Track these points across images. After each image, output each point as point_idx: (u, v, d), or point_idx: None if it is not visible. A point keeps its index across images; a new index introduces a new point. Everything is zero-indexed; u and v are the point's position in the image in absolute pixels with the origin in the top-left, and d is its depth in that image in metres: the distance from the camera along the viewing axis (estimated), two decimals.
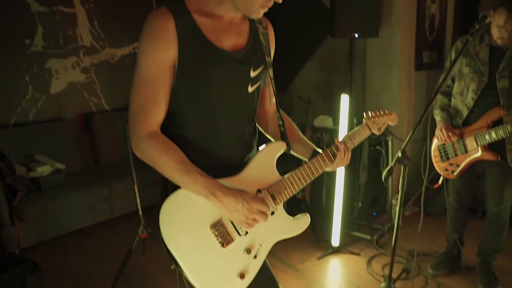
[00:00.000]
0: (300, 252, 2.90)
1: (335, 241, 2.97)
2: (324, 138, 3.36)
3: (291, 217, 1.30)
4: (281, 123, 1.36)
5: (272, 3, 1.14)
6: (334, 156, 1.35)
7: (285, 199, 1.27)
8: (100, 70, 3.97)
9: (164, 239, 1.15)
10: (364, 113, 1.46)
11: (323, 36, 3.84)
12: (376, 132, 1.47)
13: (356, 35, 3.03)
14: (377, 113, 1.47)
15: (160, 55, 1.11)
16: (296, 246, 2.91)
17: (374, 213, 3.50)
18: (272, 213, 1.26)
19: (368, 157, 3.23)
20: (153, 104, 1.13)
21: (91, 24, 3.87)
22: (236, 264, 1.21)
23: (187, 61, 1.13)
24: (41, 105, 3.63)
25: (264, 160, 1.27)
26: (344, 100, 2.76)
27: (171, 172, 1.11)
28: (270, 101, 1.44)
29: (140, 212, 2.71)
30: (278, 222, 1.27)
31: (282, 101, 4.17)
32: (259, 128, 1.46)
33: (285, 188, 1.27)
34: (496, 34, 2.12)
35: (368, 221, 3.35)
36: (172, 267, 1.21)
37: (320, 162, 1.33)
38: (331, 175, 3.15)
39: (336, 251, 2.96)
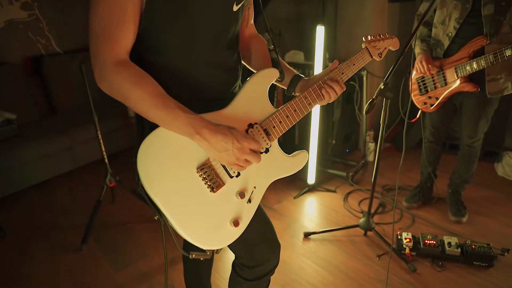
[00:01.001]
0: (276, 192, 2.87)
1: (311, 179, 2.96)
2: None
3: (287, 154, 1.19)
4: (272, 47, 1.19)
5: None
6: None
7: (280, 133, 1.15)
8: (45, 6, 3.50)
9: (144, 187, 1.00)
10: (363, 37, 1.31)
11: None
12: (377, 58, 1.33)
13: None
14: (377, 36, 1.33)
15: None
16: (271, 186, 2.80)
17: (347, 150, 3.50)
18: (267, 150, 1.14)
19: (342, 93, 3.15)
20: (119, 24, 0.93)
21: None
22: (229, 210, 1.09)
23: None
24: None
25: (255, 90, 1.12)
26: (320, 32, 2.59)
27: (146, 107, 0.94)
28: (248, 23, 1.27)
29: (106, 160, 2.51)
30: (273, 161, 1.15)
31: None
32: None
33: (280, 122, 1.14)
34: None
35: (342, 158, 3.36)
36: (156, 217, 1.08)
37: (317, 92, 1.19)
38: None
39: (312, 189, 2.96)
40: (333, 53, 3.40)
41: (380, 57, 1.36)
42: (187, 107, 1.00)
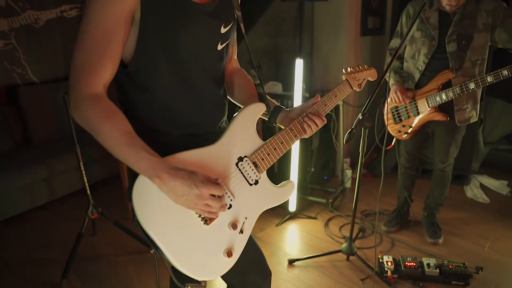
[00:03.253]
0: (259, 220, 2.83)
1: (292, 206, 3.01)
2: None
3: (275, 185, 1.24)
4: (258, 81, 1.26)
5: None
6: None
7: (268, 165, 1.20)
8: (22, 36, 3.49)
9: (140, 222, 1.01)
10: (343, 69, 1.40)
11: None
12: (357, 89, 1.42)
13: None
14: (357, 68, 1.42)
15: (114, 3, 0.94)
16: None
17: (326, 177, 3.59)
18: (256, 182, 1.19)
19: None
20: (99, 60, 0.96)
21: None
22: (222, 242, 1.12)
23: (152, 12, 0.98)
24: None
25: (243, 125, 1.17)
26: (299, 64, 2.71)
27: (113, 144, 0.95)
28: (231, 59, 1.34)
29: (88, 192, 2.48)
30: (262, 192, 1.20)
31: None
32: None
33: (268, 154, 1.19)
34: (445, 1, 2.17)
35: (321, 185, 3.43)
36: (152, 251, 1.09)
37: (302, 125, 1.26)
38: None
39: (293, 216, 3.00)
40: (310, 84, 3.53)
41: (360, 87, 1.45)
42: (178, 144, 1.03)
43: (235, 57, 1.36)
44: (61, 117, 3.51)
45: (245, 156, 1.16)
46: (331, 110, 3.27)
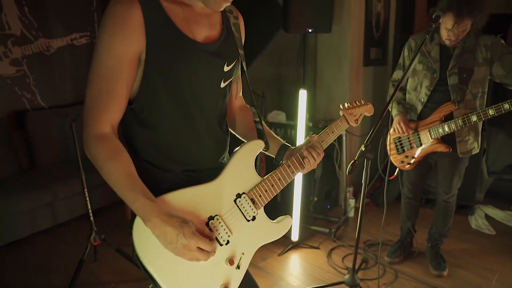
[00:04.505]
0: (261, 249, 2.81)
1: (294, 236, 2.98)
2: (279, 134, 3.34)
3: (272, 221, 1.25)
4: (258, 119, 1.29)
5: None
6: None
7: (265, 202, 1.22)
8: (33, 63, 3.59)
9: (139, 257, 1.03)
10: (340, 105, 1.43)
11: (274, 30, 3.81)
12: (353, 124, 1.45)
13: (310, 31, 3.03)
14: (354, 104, 1.45)
15: (121, 46, 0.99)
16: None
17: (328, 206, 3.57)
18: (253, 218, 1.20)
19: None
20: (108, 101, 1.01)
21: (21, 10, 3.47)
22: (219, 277, 1.13)
23: (156, 54, 1.03)
24: None
25: (242, 161, 1.19)
26: (302, 95, 2.75)
27: (113, 182, 1.00)
28: (237, 96, 1.37)
29: (92, 218, 2.49)
30: (259, 227, 1.21)
31: None
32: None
33: (266, 191, 1.21)
34: (445, 36, 2.22)
35: (324, 215, 3.41)
36: (150, 286, 1.10)
37: (300, 161, 1.28)
38: None
39: (295, 246, 2.98)
40: (313, 113, 3.57)
41: (357, 123, 1.48)
42: (180, 180, 1.07)
43: (240, 94, 1.39)
44: (67, 142, 3.56)
45: (243, 193, 1.18)
46: (335, 141, 3.31)
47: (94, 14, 4.00)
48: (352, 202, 3.46)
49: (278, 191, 1.24)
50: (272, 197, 1.23)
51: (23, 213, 2.92)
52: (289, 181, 1.26)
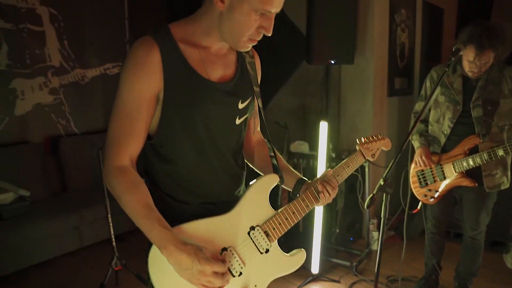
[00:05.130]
0: (279, 281, 2.80)
1: (315, 268, 2.93)
2: (301, 164, 3.35)
3: (286, 254, 1.25)
4: (272, 154, 1.32)
5: (261, 36, 1.11)
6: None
7: (279, 235, 1.23)
8: (69, 91, 3.81)
9: (154, 286, 1.08)
10: (357, 139, 1.44)
11: (298, 61, 3.88)
12: (370, 159, 1.45)
13: (332, 62, 3.08)
14: (370, 138, 1.45)
15: (141, 86, 1.07)
16: None
17: (351, 238, 3.50)
18: (267, 250, 1.21)
19: (344, 183, 3.24)
20: (128, 136, 1.09)
21: (61, 44, 3.73)
22: None
23: (173, 93, 1.10)
24: (4, 127, 3.42)
25: (256, 195, 1.22)
26: (323, 127, 2.77)
27: (131, 212, 1.06)
28: (255, 131, 1.41)
29: (114, 243, 2.56)
30: (273, 260, 1.22)
31: None
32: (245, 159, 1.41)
33: (280, 224, 1.23)
34: (467, 68, 2.20)
35: (346, 247, 3.34)
36: None
37: (314, 195, 1.29)
38: None
39: (315, 278, 2.92)
40: (337, 144, 3.57)
41: (373, 157, 1.48)
42: (196, 212, 1.12)
43: (258, 129, 1.43)
44: (96, 167, 3.70)
45: (257, 225, 1.20)
46: (357, 170, 3.28)
47: (126, 45, 4.23)
48: (375, 234, 3.38)
49: (293, 225, 1.25)
50: (286, 230, 1.24)
51: (51, 235, 3.02)
52: (303, 215, 1.27)
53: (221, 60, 1.20)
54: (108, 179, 1.09)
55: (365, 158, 1.43)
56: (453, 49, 1.86)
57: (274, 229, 1.21)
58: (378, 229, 3.44)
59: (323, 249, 3.04)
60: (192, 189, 1.19)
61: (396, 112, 3.82)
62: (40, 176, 3.46)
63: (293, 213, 1.25)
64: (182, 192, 1.18)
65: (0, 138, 3.39)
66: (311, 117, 3.84)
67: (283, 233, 1.23)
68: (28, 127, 3.57)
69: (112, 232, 2.55)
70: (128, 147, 1.09)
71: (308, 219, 3.13)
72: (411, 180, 2.54)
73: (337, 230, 3.29)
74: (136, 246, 3.40)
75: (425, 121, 2.53)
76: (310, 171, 3.29)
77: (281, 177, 1.30)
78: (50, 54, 3.66)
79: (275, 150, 1.35)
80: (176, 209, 1.18)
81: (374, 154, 1.47)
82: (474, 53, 2.10)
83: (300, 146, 3.48)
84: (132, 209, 1.05)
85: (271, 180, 1.26)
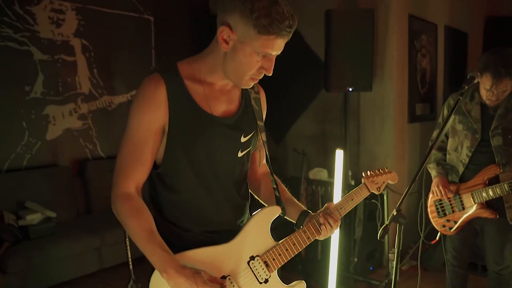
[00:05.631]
0: None
1: None
2: (320, 191, 3.34)
3: (285, 285, 1.26)
4: (275, 186, 1.35)
5: (262, 75, 1.17)
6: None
7: (279, 265, 1.24)
8: (97, 117, 4.00)
9: None
10: (363, 173, 1.45)
11: (319, 88, 3.92)
12: (375, 192, 1.45)
13: (350, 89, 3.10)
14: (377, 172, 1.46)
15: (148, 119, 1.14)
16: None
17: (371, 268, 3.41)
18: (266, 280, 1.22)
19: (363, 211, 3.20)
20: (134, 165, 1.16)
21: (91, 72, 3.94)
22: None
23: (177, 126, 1.16)
24: (36, 150, 3.61)
25: (258, 226, 1.25)
26: (339, 155, 2.77)
27: (135, 237, 1.12)
28: (260, 163, 1.44)
29: (131, 267, 2.61)
30: None
31: (277, 152, 4.17)
32: (250, 190, 1.44)
33: (280, 255, 1.24)
34: (484, 96, 2.17)
35: (365, 276, 3.26)
36: None
37: (316, 227, 1.30)
38: None
39: None
40: (356, 171, 3.53)
41: (379, 190, 1.48)
42: (199, 240, 1.16)
43: (264, 161, 1.46)
44: None
45: (257, 256, 1.22)
46: (376, 198, 3.23)
47: (152, 73, 4.40)
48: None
49: (293, 256, 1.27)
50: (286, 261, 1.25)
51: (73, 256, 3.13)
52: (304, 246, 1.28)
53: (225, 96, 1.26)
54: (114, 205, 1.15)
55: (369, 191, 1.43)
56: (468, 77, 1.84)
57: (274, 259, 1.23)
58: (400, 258, 3.34)
59: (340, 279, 2.97)
60: (195, 218, 1.23)
61: (418, 138, 3.76)
62: (67, 197, 3.61)
63: (294, 244, 1.26)
64: (185, 221, 1.23)
65: (32, 161, 3.58)
66: (331, 144, 3.84)
67: (283, 263, 1.25)
68: (58, 150, 3.75)
69: (129, 255, 2.61)
70: (134, 175, 1.16)
71: (327, 246, 3.09)
72: (429, 209, 2.48)
73: (356, 259, 3.22)
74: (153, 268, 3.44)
75: (443, 150, 2.48)
76: (328, 198, 3.26)
77: (283, 209, 1.32)
78: (81, 82, 3.88)
79: (279, 183, 1.40)
80: (179, 237, 1.23)
81: (379, 188, 1.47)
82: (491, 81, 2.07)
83: (319, 173, 3.48)
84: (136, 234, 1.11)
85: (273, 212, 1.29)
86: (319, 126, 3.99)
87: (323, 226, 1.28)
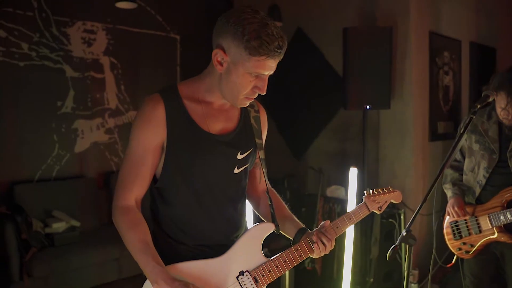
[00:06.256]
0: None
1: None
2: (336, 209, 3.31)
3: None
4: (269, 203, 1.38)
5: (256, 95, 1.21)
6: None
7: (268, 282, 1.26)
8: (123, 131, 4.17)
9: None
10: (365, 191, 1.44)
11: (338, 105, 3.90)
12: (376, 211, 1.43)
13: (368, 107, 3.08)
14: (380, 190, 1.44)
15: (147, 137, 1.21)
16: None
17: None
18: None
19: (380, 230, 3.13)
20: (133, 180, 1.22)
21: (118, 88, 4.13)
22: None
23: (174, 143, 1.22)
24: (65, 162, 3.80)
25: (250, 241, 1.27)
26: (353, 173, 2.75)
27: (131, 248, 1.17)
28: (260, 180, 1.47)
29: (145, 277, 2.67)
30: None
31: (297, 169, 4.17)
32: (251, 206, 1.48)
33: (269, 271, 1.26)
34: (500, 115, 2.11)
35: None
36: None
37: (309, 245, 1.30)
38: (343, 246, 3.06)
39: None
40: (375, 189, 3.47)
41: (380, 210, 1.46)
42: (192, 253, 1.21)
43: (264, 179, 1.48)
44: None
45: (247, 271, 1.24)
46: (394, 218, 3.16)
47: None
48: (414, 287, 3.17)
49: (283, 273, 1.28)
50: (276, 278, 1.26)
51: (93, 265, 3.24)
52: (295, 264, 1.29)
53: (223, 115, 1.31)
54: (114, 217, 1.22)
55: (369, 211, 1.42)
56: (482, 95, 1.80)
57: (263, 275, 1.25)
58: (420, 281, 3.23)
59: None
60: (189, 231, 1.27)
61: (440, 157, 3.65)
62: (91, 208, 3.76)
63: (285, 261, 1.27)
64: (180, 234, 1.27)
65: (61, 172, 3.78)
66: (349, 161, 3.79)
67: (272, 280, 1.26)
68: (85, 163, 3.94)
69: None
70: (133, 190, 1.23)
71: (342, 265, 3.04)
72: (444, 231, 2.40)
73: (371, 280, 3.14)
74: None
75: (459, 170, 2.40)
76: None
77: (276, 226, 1.34)
78: (108, 98, 4.07)
79: (279, 199, 1.45)
80: (174, 249, 1.28)
81: (381, 207, 1.45)
82: (506, 100, 2.01)
83: (336, 191, 3.45)
84: (132, 245, 1.17)
85: (266, 228, 1.31)
86: (338, 144, 3.96)
87: (316, 244, 1.29)
